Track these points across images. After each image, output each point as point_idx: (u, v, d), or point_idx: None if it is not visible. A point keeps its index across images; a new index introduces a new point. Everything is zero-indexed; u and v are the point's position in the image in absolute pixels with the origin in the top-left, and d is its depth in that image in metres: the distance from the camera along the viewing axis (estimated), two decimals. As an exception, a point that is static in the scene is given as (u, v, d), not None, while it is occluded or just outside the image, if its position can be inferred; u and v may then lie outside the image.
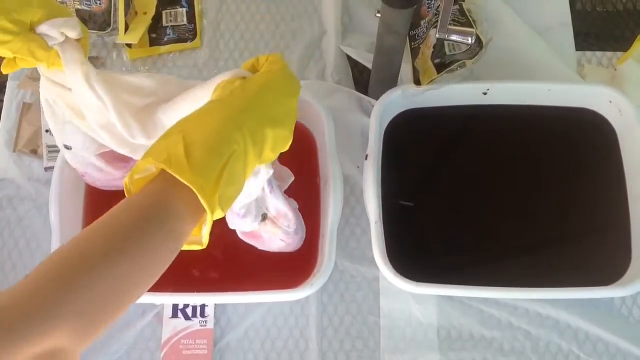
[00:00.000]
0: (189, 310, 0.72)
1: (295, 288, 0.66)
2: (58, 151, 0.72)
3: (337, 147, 0.71)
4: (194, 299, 0.71)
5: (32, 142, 0.80)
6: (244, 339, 0.73)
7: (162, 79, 0.57)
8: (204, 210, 0.43)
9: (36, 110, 0.81)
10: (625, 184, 0.74)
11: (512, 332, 0.73)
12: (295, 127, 0.78)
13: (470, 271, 0.72)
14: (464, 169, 0.77)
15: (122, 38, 0.82)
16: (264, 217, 0.60)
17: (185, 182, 0.42)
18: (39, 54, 0.51)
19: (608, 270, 0.70)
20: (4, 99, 0.83)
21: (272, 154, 0.50)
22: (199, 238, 0.46)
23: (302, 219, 0.64)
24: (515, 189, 0.76)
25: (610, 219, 0.74)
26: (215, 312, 0.73)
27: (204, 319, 0.72)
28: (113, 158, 0.64)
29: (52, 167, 0.73)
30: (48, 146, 0.78)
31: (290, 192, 0.62)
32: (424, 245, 0.75)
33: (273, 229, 0.61)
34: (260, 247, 0.65)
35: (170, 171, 0.42)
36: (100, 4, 0.81)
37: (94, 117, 0.55)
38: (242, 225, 0.59)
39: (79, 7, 0.81)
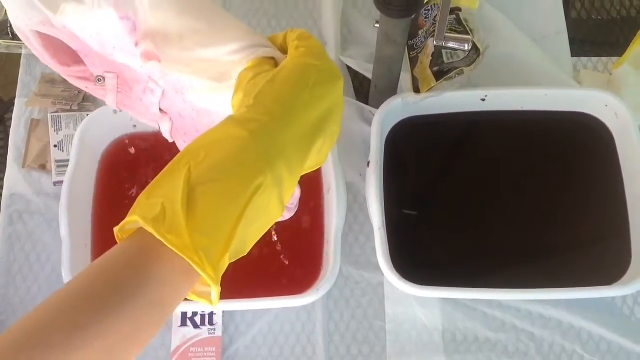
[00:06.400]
0: (197, 319, 0.73)
1: (302, 294, 0.68)
2: (66, 166, 0.73)
3: (339, 155, 0.73)
4: (202, 307, 0.72)
5: (40, 157, 0.81)
6: (252, 346, 0.74)
7: None
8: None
9: (44, 127, 0.82)
10: (624, 185, 0.75)
11: (516, 334, 0.74)
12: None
13: (473, 275, 0.73)
14: (465, 174, 0.78)
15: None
16: None
17: (178, 253, 0.32)
18: None
19: (609, 271, 0.71)
20: (13, 117, 0.85)
21: (319, 159, 0.38)
22: (208, 293, 0.35)
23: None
24: (514, 193, 0.77)
25: (610, 220, 0.75)
26: (223, 320, 0.74)
27: (212, 327, 0.73)
28: (59, 51, 0.52)
29: (61, 182, 0.75)
30: (57, 161, 0.80)
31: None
32: (427, 250, 0.76)
33: None
34: None
35: (157, 236, 0.32)
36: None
37: None
38: None
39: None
